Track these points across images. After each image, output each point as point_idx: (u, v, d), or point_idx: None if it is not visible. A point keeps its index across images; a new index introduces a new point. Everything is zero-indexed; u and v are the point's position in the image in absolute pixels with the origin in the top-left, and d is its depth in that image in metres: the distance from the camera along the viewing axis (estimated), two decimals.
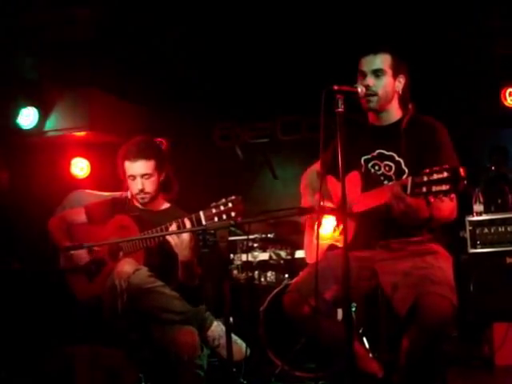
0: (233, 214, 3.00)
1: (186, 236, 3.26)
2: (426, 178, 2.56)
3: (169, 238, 3.28)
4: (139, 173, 3.56)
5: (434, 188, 2.53)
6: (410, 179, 2.64)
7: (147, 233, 3.36)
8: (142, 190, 3.58)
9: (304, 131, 6.38)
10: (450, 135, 3.05)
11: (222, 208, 3.02)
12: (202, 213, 3.14)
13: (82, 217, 3.75)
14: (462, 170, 2.50)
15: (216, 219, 3.03)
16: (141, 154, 3.57)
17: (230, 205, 3.00)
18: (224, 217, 3.00)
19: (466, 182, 2.51)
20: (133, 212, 3.63)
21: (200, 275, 3.53)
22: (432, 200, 2.60)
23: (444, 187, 2.51)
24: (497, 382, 4.28)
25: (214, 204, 3.06)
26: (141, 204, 3.66)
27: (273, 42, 5.14)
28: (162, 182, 3.64)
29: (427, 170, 2.57)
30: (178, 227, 3.26)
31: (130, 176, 3.58)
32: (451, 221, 3.01)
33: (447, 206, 2.88)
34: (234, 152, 6.53)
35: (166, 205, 3.74)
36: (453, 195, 2.61)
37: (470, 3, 4.69)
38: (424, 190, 2.57)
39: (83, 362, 3.56)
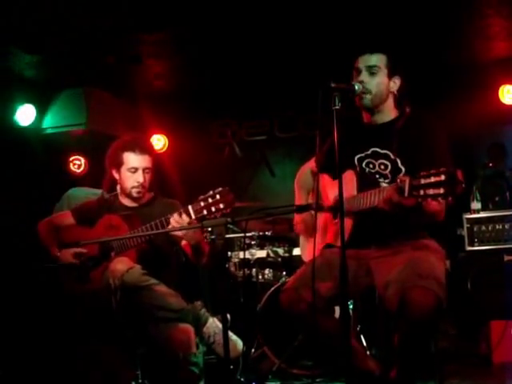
0: (221, 205, 2.99)
1: (186, 221, 3.18)
2: (423, 181, 2.54)
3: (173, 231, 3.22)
4: (143, 166, 3.57)
5: (432, 191, 2.52)
6: (407, 182, 2.61)
7: (137, 231, 3.35)
8: (141, 184, 3.57)
9: (301, 128, 6.37)
10: (448, 133, 3.03)
11: (210, 200, 3.01)
12: (190, 207, 3.13)
13: (69, 219, 3.74)
14: (459, 174, 2.49)
15: (205, 212, 3.01)
16: (145, 149, 3.61)
17: (217, 197, 2.99)
18: (213, 209, 2.98)
19: (463, 185, 2.50)
20: (121, 211, 3.62)
21: (207, 253, 3.49)
22: (429, 201, 2.58)
23: (442, 190, 2.49)
24: (494, 380, 4.27)
25: (201, 197, 3.04)
26: (133, 199, 3.66)
27: (270, 40, 5.14)
28: (153, 179, 3.65)
29: (425, 173, 2.54)
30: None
31: (131, 168, 3.56)
32: (438, 220, 2.98)
33: (439, 207, 2.86)
34: (232, 149, 6.52)
35: (149, 195, 3.73)
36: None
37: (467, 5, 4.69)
38: (421, 192, 2.54)
39: (81, 360, 3.56)
